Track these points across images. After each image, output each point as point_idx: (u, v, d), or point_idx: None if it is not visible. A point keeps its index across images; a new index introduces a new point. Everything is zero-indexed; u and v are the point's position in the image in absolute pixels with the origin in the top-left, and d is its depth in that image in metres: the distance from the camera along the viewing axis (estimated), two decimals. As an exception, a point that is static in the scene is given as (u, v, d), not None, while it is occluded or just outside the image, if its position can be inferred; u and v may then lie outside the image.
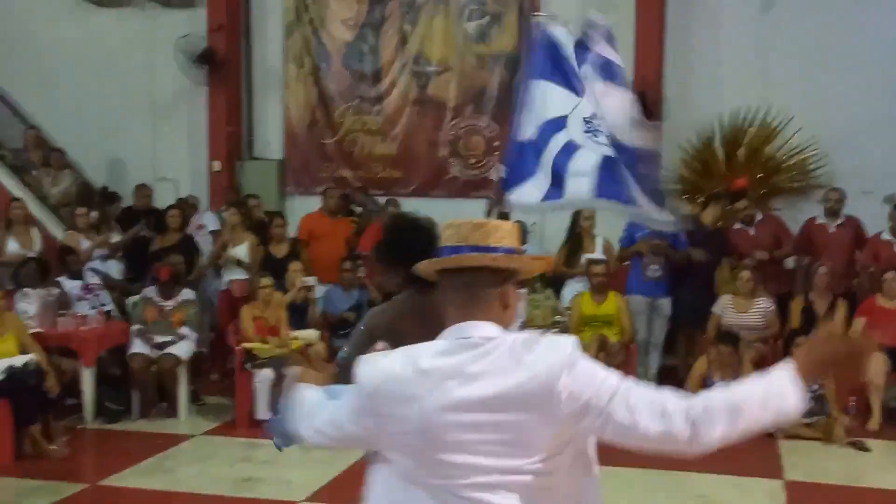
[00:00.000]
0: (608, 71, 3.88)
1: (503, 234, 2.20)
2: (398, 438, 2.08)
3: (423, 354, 2.10)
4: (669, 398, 2.03)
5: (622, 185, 3.78)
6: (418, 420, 2.03)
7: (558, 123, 3.94)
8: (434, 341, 2.16)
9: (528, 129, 3.99)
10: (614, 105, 3.83)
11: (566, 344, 2.07)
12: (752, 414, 2.02)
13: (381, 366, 2.14)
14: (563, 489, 2.10)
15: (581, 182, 3.84)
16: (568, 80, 4.03)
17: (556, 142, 3.93)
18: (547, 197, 3.94)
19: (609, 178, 3.80)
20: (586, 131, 3.90)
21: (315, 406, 2.33)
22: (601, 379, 2.04)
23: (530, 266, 2.42)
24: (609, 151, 3.87)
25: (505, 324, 2.16)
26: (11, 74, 11.60)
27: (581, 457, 2.13)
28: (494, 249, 2.17)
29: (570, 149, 3.90)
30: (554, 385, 1.99)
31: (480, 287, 2.15)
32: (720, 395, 2.03)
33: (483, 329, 2.09)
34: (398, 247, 3.43)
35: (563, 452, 2.07)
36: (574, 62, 4.06)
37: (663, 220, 3.94)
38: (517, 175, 3.98)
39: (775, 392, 2.01)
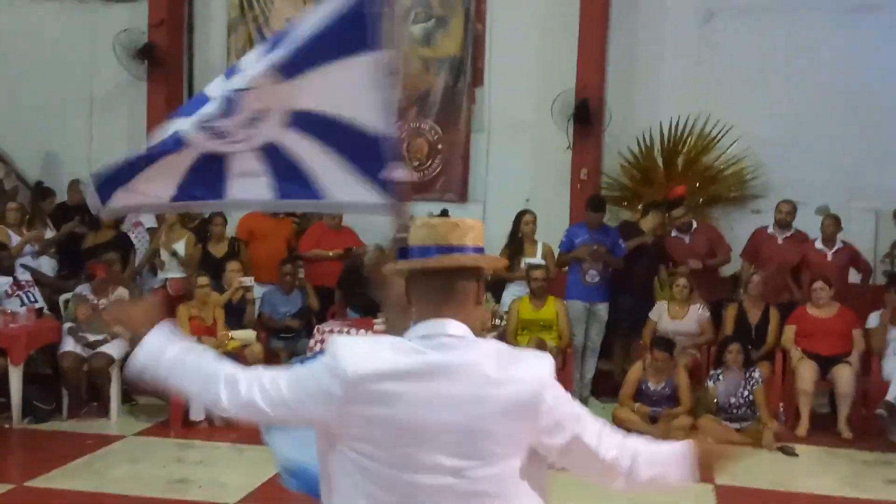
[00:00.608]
0: (328, 48, 3.37)
1: (477, 233, 2.24)
2: (369, 430, 2.05)
3: (406, 349, 2.10)
4: (607, 432, 2.19)
5: (308, 178, 3.49)
6: (396, 415, 2.02)
7: (169, 143, 3.51)
8: (412, 336, 2.15)
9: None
10: (338, 84, 3.39)
11: (548, 362, 2.15)
12: (658, 474, 2.24)
13: (364, 355, 2.10)
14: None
15: (250, 185, 3.54)
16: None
17: (183, 158, 3.51)
18: (185, 198, 3.60)
19: (285, 175, 3.50)
20: (217, 136, 3.47)
21: (238, 374, 2.20)
22: (571, 402, 2.17)
23: (498, 265, 2.47)
24: (267, 139, 3.50)
25: (477, 321, 2.21)
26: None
27: (538, 480, 2.18)
28: (470, 249, 2.21)
29: (210, 161, 3.52)
30: (538, 398, 2.06)
31: (459, 285, 2.17)
32: (649, 448, 2.24)
33: (456, 328, 2.11)
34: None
35: (527, 468, 2.12)
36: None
37: (374, 205, 3.46)
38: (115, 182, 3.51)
39: (682, 468, 2.25)
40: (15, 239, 8.66)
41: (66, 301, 7.98)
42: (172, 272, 8.94)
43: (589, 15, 9.72)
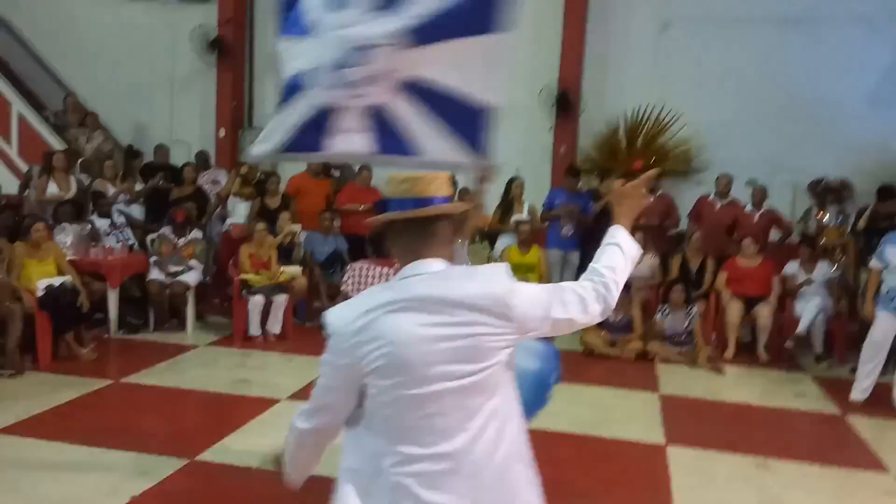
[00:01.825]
0: (454, 24, 2.94)
1: (441, 183, 2.12)
2: (375, 364, 1.93)
3: (387, 287, 2.01)
4: (585, 289, 2.10)
5: (405, 137, 3.08)
6: (390, 338, 1.92)
7: (309, 78, 3.10)
8: (398, 278, 2.04)
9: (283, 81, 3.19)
10: (461, 57, 2.97)
11: (503, 268, 2.06)
12: (625, 270, 2.17)
13: (342, 309, 2.03)
14: (506, 392, 2.06)
15: (351, 140, 3.11)
16: (302, 23, 3.16)
17: (307, 99, 3.10)
18: (292, 149, 3.17)
19: (387, 130, 3.07)
20: (342, 84, 3.03)
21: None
22: (538, 292, 2.06)
23: (457, 210, 2.27)
24: (379, 101, 3.06)
25: (452, 258, 2.10)
26: (56, 51, 11.44)
27: (510, 368, 2.08)
28: (439, 199, 2.08)
29: (325, 111, 3.10)
30: (507, 296, 1.97)
31: (433, 228, 2.06)
32: (607, 271, 2.14)
33: (435, 265, 2.02)
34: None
35: (504, 360, 2.02)
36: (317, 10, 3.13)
37: (468, 163, 3.12)
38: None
39: (626, 249, 2.19)
40: (111, 190, 8.73)
41: (153, 240, 8.02)
42: (236, 219, 8.98)
43: (570, 22, 9.69)
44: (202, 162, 9.96)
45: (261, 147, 3.19)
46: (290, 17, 3.22)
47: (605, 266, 2.15)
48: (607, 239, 2.22)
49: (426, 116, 3.05)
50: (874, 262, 6.30)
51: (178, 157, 9.92)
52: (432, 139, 3.07)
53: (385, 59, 2.97)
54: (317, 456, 2.18)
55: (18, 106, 10.74)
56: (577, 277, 2.22)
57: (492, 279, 2.02)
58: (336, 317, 2.02)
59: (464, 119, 3.03)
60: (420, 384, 1.93)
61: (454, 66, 3.00)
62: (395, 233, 2.09)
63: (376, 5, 3.01)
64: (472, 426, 1.96)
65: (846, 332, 7.69)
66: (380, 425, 1.99)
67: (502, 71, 3.04)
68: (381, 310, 1.95)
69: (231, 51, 10.69)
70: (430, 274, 2.00)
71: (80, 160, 9.57)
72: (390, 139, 3.09)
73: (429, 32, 2.94)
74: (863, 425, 5.80)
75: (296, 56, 3.13)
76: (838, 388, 6.61)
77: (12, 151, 10.46)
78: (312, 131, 3.12)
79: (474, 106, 3.03)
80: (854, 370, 6.64)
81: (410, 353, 1.92)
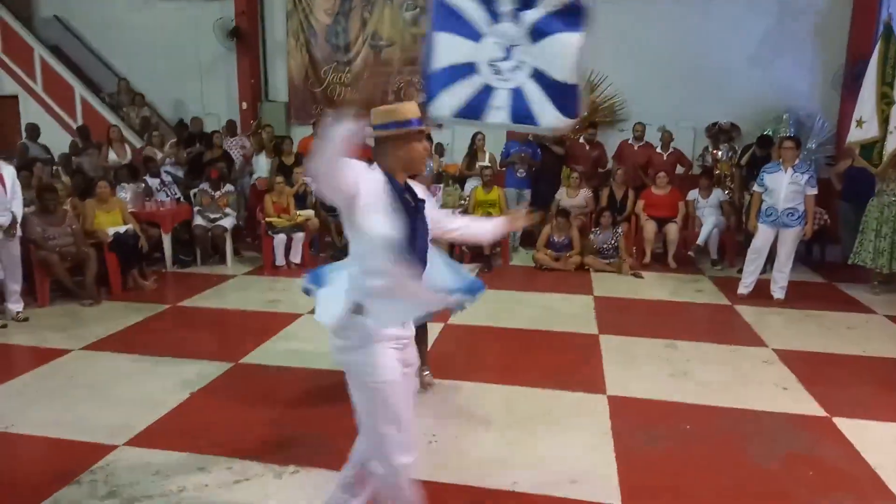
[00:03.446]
0: (559, 23, 3.37)
1: (414, 108, 2.24)
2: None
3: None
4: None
5: (531, 111, 3.43)
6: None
7: (467, 69, 3.46)
8: None
9: (435, 65, 3.49)
10: (558, 50, 3.37)
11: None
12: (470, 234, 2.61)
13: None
14: None
15: (499, 113, 3.47)
16: (469, 30, 3.50)
17: (472, 83, 3.47)
18: (462, 115, 3.51)
19: (520, 106, 3.43)
20: (495, 73, 3.44)
21: None
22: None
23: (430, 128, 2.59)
24: (517, 84, 3.46)
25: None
26: (107, 45, 11.05)
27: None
28: (415, 120, 2.21)
29: (486, 91, 3.48)
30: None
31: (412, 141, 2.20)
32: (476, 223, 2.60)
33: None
34: None
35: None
36: (476, 13, 3.49)
37: (566, 126, 3.49)
38: (432, 94, 3.49)
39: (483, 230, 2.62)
40: (159, 155, 8.49)
41: (195, 193, 7.85)
42: (260, 173, 8.79)
43: (517, 5, 9.37)
44: (231, 129, 9.71)
45: (438, 111, 3.49)
46: (446, 17, 3.52)
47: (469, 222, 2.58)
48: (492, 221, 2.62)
49: (543, 94, 3.41)
50: (756, 187, 6.30)
51: (210, 126, 9.67)
52: (547, 110, 3.41)
53: (525, 53, 3.42)
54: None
55: (80, 90, 10.48)
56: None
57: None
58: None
59: (563, 95, 3.37)
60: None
61: (558, 54, 3.37)
62: (384, 146, 2.19)
63: (511, 18, 3.45)
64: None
65: (734, 242, 7.76)
66: None
67: (584, 58, 3.38)
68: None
69: (247, 38, 10.32)
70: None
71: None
72: (520, 112, 3.45)
73: (539, 32, 3.39)
74: (747, 312, 5.90)
75: (453, 49, 3.48)
76: (729, 285, 6.70)
77: (77, 125, 10.18)
78: (475, 105, 3.48)
79: (568, 84, 3.36)
80: (740, 271, 6.72)
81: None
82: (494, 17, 3.49)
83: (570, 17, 3.35)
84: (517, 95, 3.45)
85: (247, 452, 3.33)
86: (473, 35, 3.50)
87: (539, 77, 3.41)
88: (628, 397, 4.04)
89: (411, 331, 2.28)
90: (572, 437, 3.54)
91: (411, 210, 2.17)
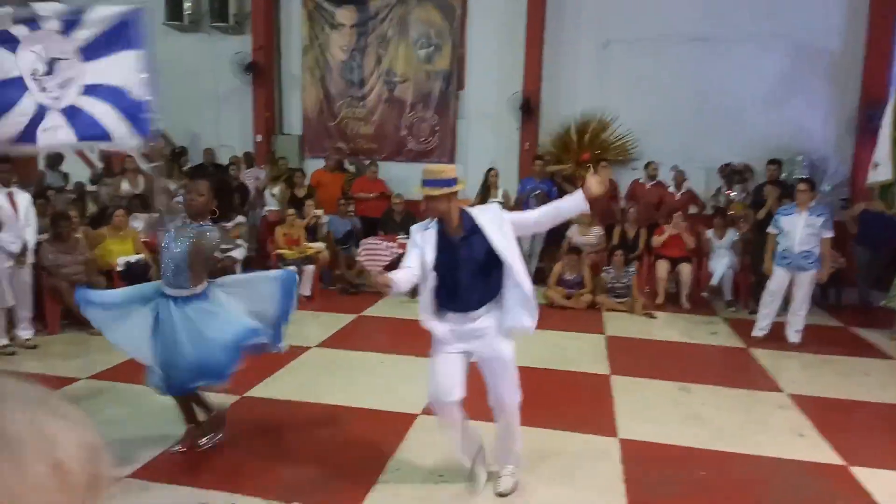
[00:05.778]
0: (115, 45, 3.37)
1: (447, 171, 3.03)
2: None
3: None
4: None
5: (100, 125, 3.37)
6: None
7: (16, 85, 3.32)
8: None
9: None
10: (117, 68, 3.39)
11: (497, 205, 3.16)
12: (551, 214, 3.10)
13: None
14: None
15: (57, 133, 3.37)
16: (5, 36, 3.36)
17: (24, 109, 3.33)
18: (19, 142, 3.38)
19: (84, 123, 3.36)
20: (42, 90, 3.31)
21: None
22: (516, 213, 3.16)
23: (459, 188, 3.01)
24: (70, 102, 3.36)
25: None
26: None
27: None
28: (443, 181, 2.98)
29: (40, 113, 3.37)
30: (504, 215, 3.05)
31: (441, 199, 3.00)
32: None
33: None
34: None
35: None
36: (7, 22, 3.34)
37: (133, 144, 3.54)
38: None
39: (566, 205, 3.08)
40: (172, 186, 8.56)
41: (206, 224, 7.91)
42: (272, 206, 8.87)
43: (530, 44, 9.50)
44: (249, 161, 9.84)
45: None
46: None
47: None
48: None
49: (107, 107, 3.43)
50: (771, 229, 6.28)
51: (224, 158, 9.80)
52: (121, 126, 3.45)
53: (72, 69, 3.41)
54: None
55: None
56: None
57: (493, 207, 3.20)
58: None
59: (136, 111, 3.44)
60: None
61: (116, 70, 3.41)
62: (430, 198, 2.96)
63: (60, 28, 3.41)
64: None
65: (748, 283, 7.72)
66: None
67: (146, 76, 3.47)
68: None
69: (263, 72, 10.49)
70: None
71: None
72: (86, 128, 3.42)
73: (93, 51, 3.40)
74: (762, 356, 5.83)
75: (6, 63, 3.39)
76: (743, 327, 6.63)
77: (93, 154, 10.32)
78: (32, 127, 3.41)
79: (133, 96, 3.43)
80: (753, 312, 6.66)
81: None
82: (32, 25, 3.42)
83: (123, 37, 3.43)
84: (74, 113, 3.46)
85: (249, 489, 3.30)
86: (10, 42, 3.40)
87: (101, 93, 3.44)
88: (641, 441, 3.98)
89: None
90: (583, 481, 3.48)
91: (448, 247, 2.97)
